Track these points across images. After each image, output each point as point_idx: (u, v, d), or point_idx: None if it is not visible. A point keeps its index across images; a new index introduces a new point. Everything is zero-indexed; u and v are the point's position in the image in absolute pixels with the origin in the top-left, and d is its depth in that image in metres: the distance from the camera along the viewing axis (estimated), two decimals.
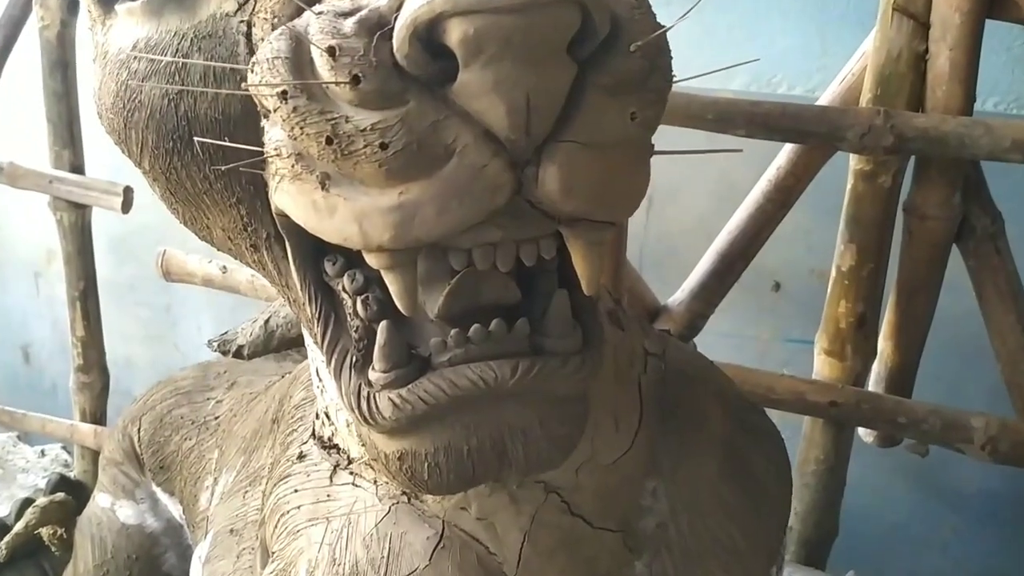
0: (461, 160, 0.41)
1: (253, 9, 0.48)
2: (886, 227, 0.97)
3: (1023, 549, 1.50)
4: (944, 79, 0.89)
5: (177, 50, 0.49)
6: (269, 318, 0.95)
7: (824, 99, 1.01)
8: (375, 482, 0.62)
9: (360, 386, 0.50)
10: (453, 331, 0.49)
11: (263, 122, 0.48)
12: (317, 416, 0.69)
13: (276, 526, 0.66)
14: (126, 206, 1.39)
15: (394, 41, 0.39)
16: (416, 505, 0.60)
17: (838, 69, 1.03)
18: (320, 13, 0.42)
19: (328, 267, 0.52)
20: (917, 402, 0.98)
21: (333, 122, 0.40)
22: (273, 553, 0.65)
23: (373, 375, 0.49)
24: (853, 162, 0.97)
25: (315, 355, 0.66)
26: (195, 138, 0.49)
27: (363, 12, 0.41)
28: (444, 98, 0.41)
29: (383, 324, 0.48)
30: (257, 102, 0.45)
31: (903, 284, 1.01)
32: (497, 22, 0.38)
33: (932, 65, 0.90)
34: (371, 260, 0.45)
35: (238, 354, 0.95)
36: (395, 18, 0.40)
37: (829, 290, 1.02)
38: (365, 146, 0.40)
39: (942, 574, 1.56)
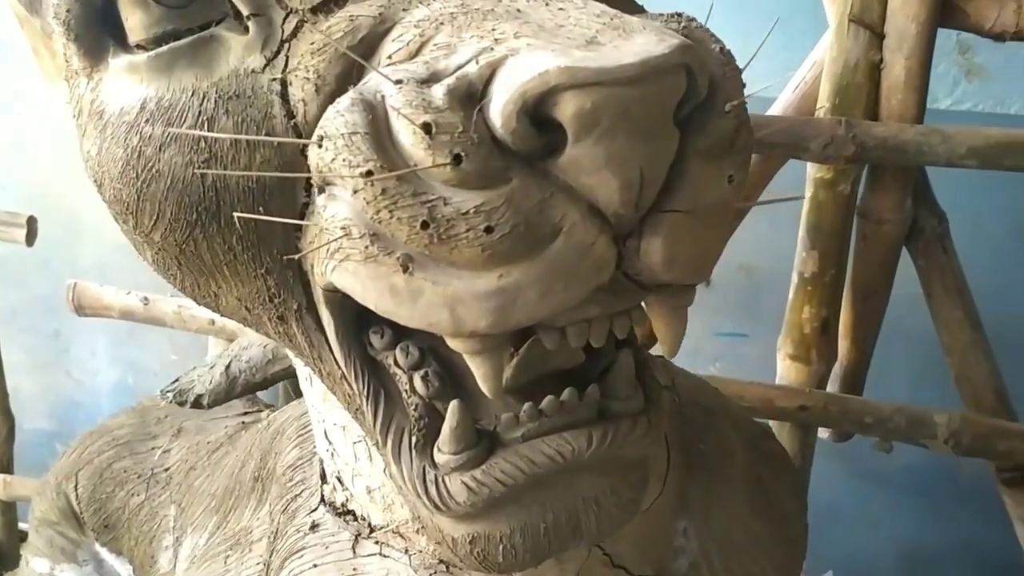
0: (568, 239, 0.38)
1: (286, 66, 0.44)
2: (845, 233, 0.99)
3: (944, 519, 1.58)
4: (899, 88, 0.92)
5: (200, 113, 0.44)
6: (230, 363, 0.89)
7: (778, 107, 1.02)
8: (407, 551, 0.58)
9: (424, 469, 0.46)
10: (526, 405, 0.46)
11: (314, 193, 0.43)
12: (325, 480, 0.65)
13: None
14: (30, 238, 1.27)
15: (496, 115, 0.36)
16: (456, 574, 0.57)
17: (761, 70, 1.04)
18: (400, 82, 0.37)
19: (375, 340, 0.48)
20: (883, 402, 1.00)
21: (430, 205, 0.37)
22: None
23: (441, 457, 0.46)
24: (812, 171, 0.98)
25: (325, 416, 0.61)
26: (234, 214, 0.44)
27: (450, 81, 0.37)
28: (545, 172, 0.38)
29: (454, 404, 0.45)
30: (317, 177, 0.41)
31: (858, 286, 1.03)
32: (615, 95, 0.35)
33: (887, 74, 0.92)
34: (457, 345, 0.41)
35: (197, 404, 0.89)
36: (486, 87, 0.37)
37: (791, 296, 1.03)
38: (468, 230, 0.37)
39: (874, 549, 1.63)
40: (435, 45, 0.39)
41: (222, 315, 0.54)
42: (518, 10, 0.40)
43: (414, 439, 0.47)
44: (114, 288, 1.27)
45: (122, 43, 0.48)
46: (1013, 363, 1.07)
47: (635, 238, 0.39)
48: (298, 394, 1.13)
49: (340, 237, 0.40)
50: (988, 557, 1.52)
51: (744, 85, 0.41)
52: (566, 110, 0.35)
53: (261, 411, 1.01)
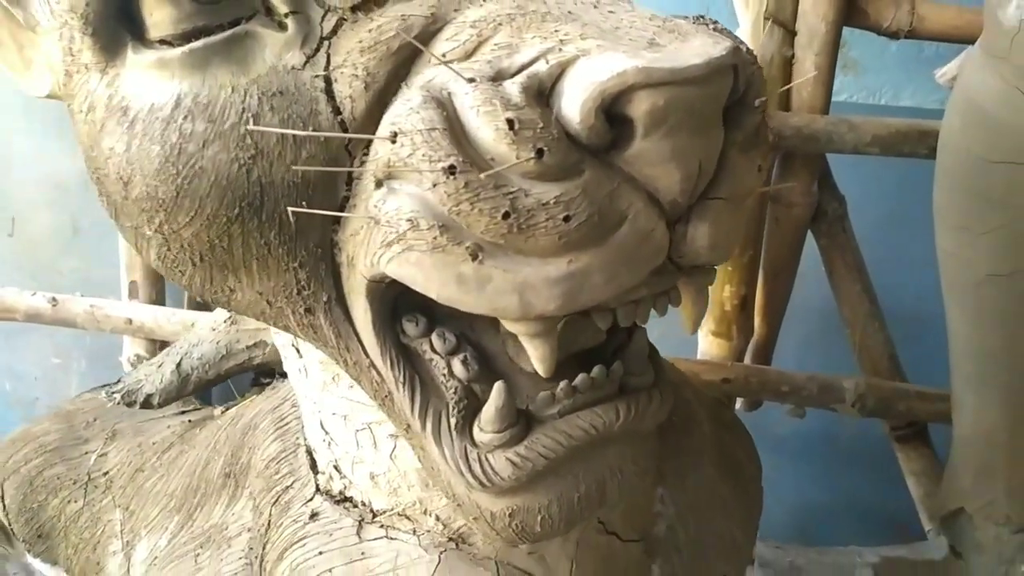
0: (633, 226, 0.41)
1: (328, 64, 0.45)
2: (761, 216, 1.07)
3: (832, 480, 1.71)
4: (809, 81, 0.99)
5: (244, 109, 0.45)
6: (181, 361, 0.87)
7: None
8: (414, 532, 0.60)
9: (466, 448, 0.49)
10: (562, 383, 0.49)
11: (360, 187, 0.45)
12: (317, 470, 0.66)
13: None
14: None
15: (574, 112, 0.39)
16: (465, 550, 0.60)
17: None
18: (472, 80, 0.40)
19: (409, 328, 0.50)
20: (797, 372, 1.08)
21: (512, 197, 0.39)
22: None
23: (483, 436, 0.48)
24: None
25: (322, 406, 0.62)
26: (289, 208, 0.44)
27: (521, 79, 0.40)
28: (610, 164, 0.41)
29: (499, 386, 0.48)
30: (383, 171, 0.42)
31: (769, 266, 1.11)
32: (684, 93, 0.38)
33: (799, 69, 0.99)
34: (517, 328, 0.44)
35: (147, 404, 0.87)
36: (554, 85, 0.40)
37: None
38: (547, 219, 0.39)
39: (768, 510, 1.73)
40: (495, 45, 0.41)
41: (231, 309, 0.54)
42: (570, 12, 0.43)
43: (453, 421, 0.49)
44: (16, 289, 1.20)
45: (140, 38, 0.48)
46: (903, 331, 1.17)
47: (682, 224, 0.43)
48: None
49: (407, 229, 0.42)
50: (872, 509, 1.65)
51: (765, 83, 0.46)
52: (640, 107, 0.38)
53: (200, 408, 0.99)
